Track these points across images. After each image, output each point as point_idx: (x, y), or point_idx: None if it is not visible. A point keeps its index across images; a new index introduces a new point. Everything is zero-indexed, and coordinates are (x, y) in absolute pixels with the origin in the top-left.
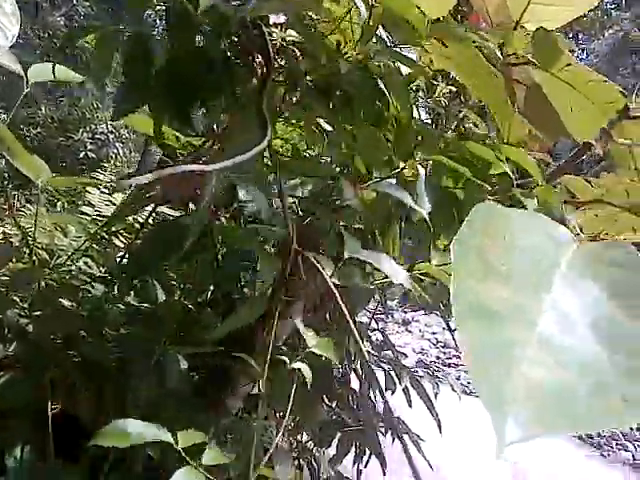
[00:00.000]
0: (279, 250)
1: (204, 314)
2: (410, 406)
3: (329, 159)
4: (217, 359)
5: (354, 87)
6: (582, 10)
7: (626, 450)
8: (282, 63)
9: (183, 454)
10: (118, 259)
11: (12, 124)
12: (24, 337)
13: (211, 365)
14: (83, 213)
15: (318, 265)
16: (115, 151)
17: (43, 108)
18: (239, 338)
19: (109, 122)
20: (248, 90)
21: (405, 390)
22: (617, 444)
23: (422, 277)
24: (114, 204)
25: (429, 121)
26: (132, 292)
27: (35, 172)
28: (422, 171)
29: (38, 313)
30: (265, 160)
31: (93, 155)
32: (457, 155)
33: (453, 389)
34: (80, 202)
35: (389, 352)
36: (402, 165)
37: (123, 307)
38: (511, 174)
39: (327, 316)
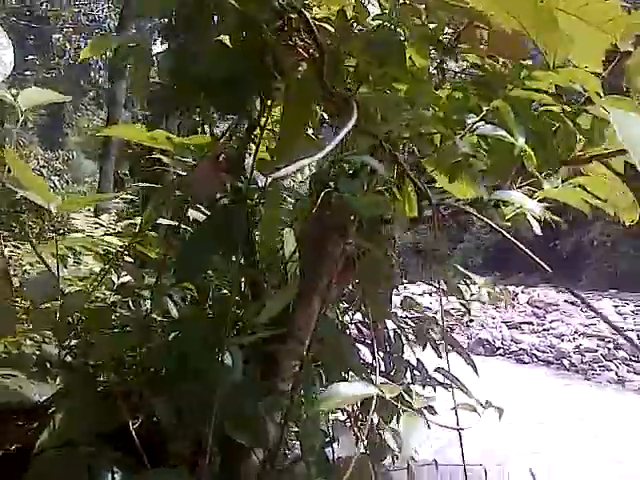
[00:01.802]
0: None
1: (248, 303)
2: (440, 357)
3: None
4: (263, 345)
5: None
6: None
7: (609, 370)
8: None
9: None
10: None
11: None
12: (69, 367)
13: (260, 351)
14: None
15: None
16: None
17: None
18: (278, 321)
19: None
20: (301, 74)
21: (434, 344)
22: (599, 366)
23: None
24: (102, 225)
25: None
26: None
27: (47, 198)
28: (508, 108)
29: (88, 339)
30: None
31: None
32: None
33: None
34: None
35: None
36: (485, 108)
37: (172, 310)
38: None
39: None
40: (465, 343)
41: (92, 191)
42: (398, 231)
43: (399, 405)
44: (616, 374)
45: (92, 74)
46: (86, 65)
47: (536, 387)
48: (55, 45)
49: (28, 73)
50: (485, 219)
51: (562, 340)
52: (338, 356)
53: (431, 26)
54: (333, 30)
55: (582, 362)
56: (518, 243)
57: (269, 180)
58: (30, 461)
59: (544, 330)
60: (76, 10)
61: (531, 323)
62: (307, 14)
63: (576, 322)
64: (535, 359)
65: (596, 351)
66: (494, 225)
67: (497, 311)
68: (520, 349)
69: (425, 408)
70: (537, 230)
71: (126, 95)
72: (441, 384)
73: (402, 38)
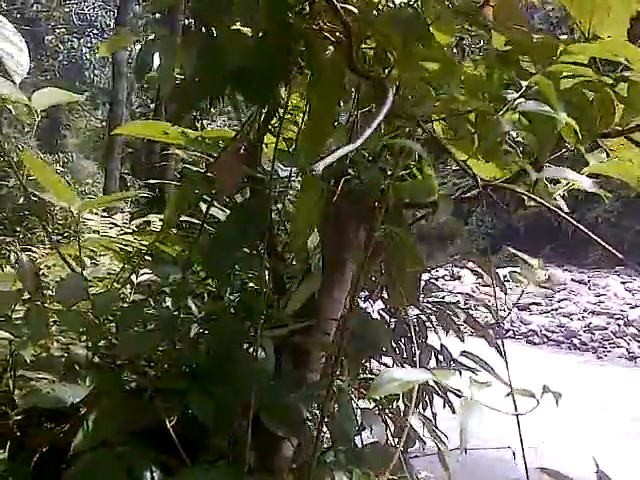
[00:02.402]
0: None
1: (274, 296)
2: (462, 341)
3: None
4: (291, 337)
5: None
6: None
7: (619, 347)
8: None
9: None
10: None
11: None
12: (98, 368)
13: (288, 343)
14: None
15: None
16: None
17: None
18: (306, 313)
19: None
20: (328, 59)
21: (456, 330)
22: (609, 344)
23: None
24: (116, 225)
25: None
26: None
27: (68, 200)
28: (549, 82)
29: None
30: None
31: (35, 198)
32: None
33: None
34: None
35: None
36: (525, 84)
37: (193, 307)
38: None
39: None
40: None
41: (93, 192)
42: (442, 214)
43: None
44: (627, 351)
45: (87, 74)
46: (80, 65)
47: (548, 367)
48: (48, 46)
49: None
50: (537, 199)
51: (571, 319)
52: (367, 344)
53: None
54: (357, 12)
55: (592, 340)
56: (582, 228)
57: (312, 170)
58: (64, 463)
59: (553, 310)
60: (67, 10)
61: (539, 304)
62: None
63: (584, 300)
64: (545, 339)
65: (606, 329)
66: (549, 205)
67: (504, 293)
68: (530, 330)
69: (451, 391)
70: (564, 207)
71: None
72: (468, 368)
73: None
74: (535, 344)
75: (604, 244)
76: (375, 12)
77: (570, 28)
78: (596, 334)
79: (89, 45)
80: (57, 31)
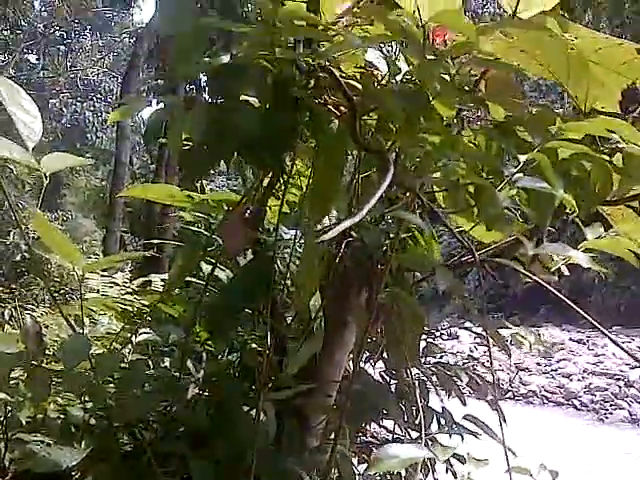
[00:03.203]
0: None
1: (276, 357)
2: (464, 404)
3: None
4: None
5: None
6: None
7: (621, 408)
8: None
9: None
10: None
11: None
12: (95, 431)
13: (289, 406)
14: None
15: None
16: None
17: None
18: (307, 375)
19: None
20: (333, 130)
21: (457, 392)
22: (611, 405)
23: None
24: (117, 284)
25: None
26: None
27: (74, 261)
28: (546, 159)
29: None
30: None
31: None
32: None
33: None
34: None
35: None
36: (523, 158)
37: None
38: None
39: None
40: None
41: (91, 250)
42: (441, 284)
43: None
44: (629, 413)
45: (89, 136)
46: (83, 128)
47: (549, 430)
48: (52, 110)
49: None
50: (528, 274)
51: (571, 380)
52: (369, 406)
53: (457, 78)
54: (360, 87)
55: (593, 402)
56: (565, 299)
57: (326, 237)
58: None
59: (552, 370)
60: (72, 76)
61: (538, 364)
62: (336, 73)
63: (583, 361)
64: (545, 400)
65: (606, 390)
66: (539, 280)
67: (503, 353)
68: (529, 391)
69: (453, 456)
70: (566, 272)
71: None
72: (470, 432)
73: (429, 90)
74: (535, 405)
75: (585, 315)
76: (378, 86)
77: (560, 95)
78: (597, 395)
79: (92, 109)
80: (62, 95)
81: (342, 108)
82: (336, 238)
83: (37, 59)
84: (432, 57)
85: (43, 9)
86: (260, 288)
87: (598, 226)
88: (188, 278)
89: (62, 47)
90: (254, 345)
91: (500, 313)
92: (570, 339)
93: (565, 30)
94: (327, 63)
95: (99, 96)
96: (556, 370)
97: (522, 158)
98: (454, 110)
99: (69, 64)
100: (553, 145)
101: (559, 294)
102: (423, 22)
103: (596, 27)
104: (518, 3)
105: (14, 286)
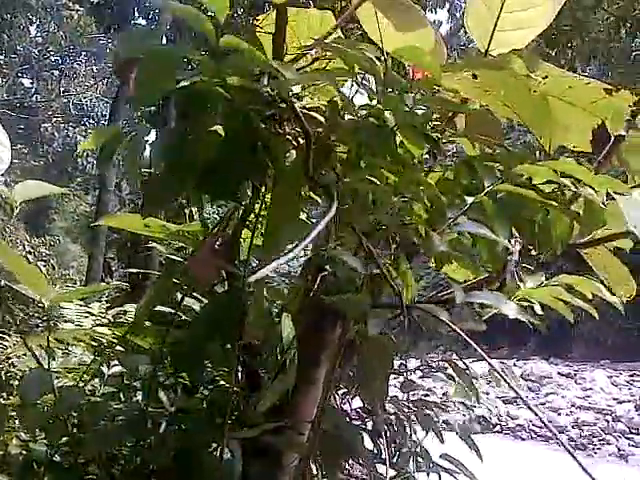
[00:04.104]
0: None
1: (245, 393)
2: (442, 442)
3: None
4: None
5: (371, 137)
6: (543, 27)
7: (609, 444)
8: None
9: None
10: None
11: None
12: (59, 467)
13: (258, 445)
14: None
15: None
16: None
17: None
18: (278, 412)
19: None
20: (289, 163)
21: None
22: (599, 440)
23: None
24: (92, 314)
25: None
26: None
27: (42, 292)
28: (491, 204)
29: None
30: None
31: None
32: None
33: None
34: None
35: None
36: (470, 200)
37: (165, 402)
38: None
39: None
40: (460, 421)
41: (78, 275)
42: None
43: None
44: (617, 448)
45: (79, 161)
46: (73, 152)
47: (537, 465)
48: (44, 134)
49: (16, 161)
50: (451, 325)
51: (559, 414)
52: (342, 446)
53: (419, 112)
54: (323, 119)
55: (581, 436)
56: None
57: (255, 277)
58: None
59: (540, 404)
60: (65, 101)
61: (526, 397)
62: (296, 104)
63: (571, 395)
64: (534, 435)
65: (594, 424)
66: (458, 330)
67: (490, 386)
68: (517, 425)
69: None
70: (539, 312)
71: (115, 181)
72: (446, 471)
73: (391, 125)
74: (523, 439)
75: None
76: (341, 119)
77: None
78: (584, 430)
79: (83, 134)
80: (54, 119)
81: (300, 140)
82: (311, 271)
83: (31, 83)
84: (392, 92)
85: (38, 34)
86: (229, 321)
87: (540, 275)
88: (163, 308)
89: (56, 72)
90: (222, 382)
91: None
92: (558, 373)
93: (533, 70)
94: (289, 94)
95: (91, 121)
96: (544, 404)
97: (469, 200)
98: (421, 148)
99: (62, 89)
100: (499, 188)
101: (467, 338)
102: (385, 56)
103: (585, 62)
104: (490, 41)
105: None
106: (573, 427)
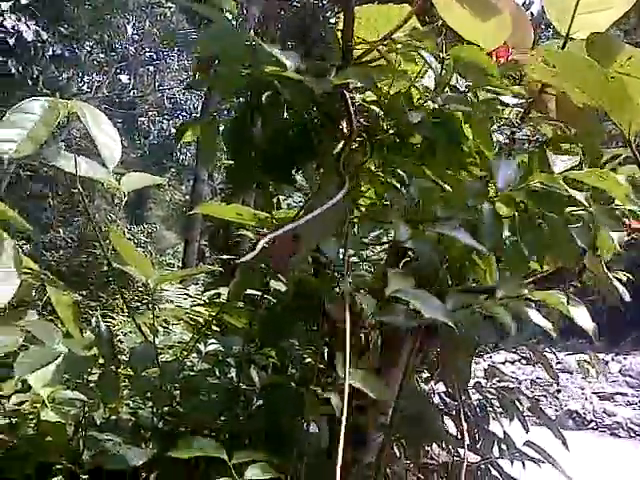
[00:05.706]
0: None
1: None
2: (527, 431)
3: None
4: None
5: (431, 133)
6: (626, 8)
7: None
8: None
9: None
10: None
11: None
12: (162, 434)
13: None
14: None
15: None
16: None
17: (61, 231)
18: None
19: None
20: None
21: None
22: None
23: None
24: (190, 296)
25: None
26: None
27: (147, 274)
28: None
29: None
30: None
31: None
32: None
33: None
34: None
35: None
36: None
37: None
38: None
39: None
40: (553, 415)
41: (173, 261)
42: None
43: None
44: None
45: (175, 153)
46: (169, 144)
47: (636, 464)
48: (141, 127)
49: None
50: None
51: None
52: (425, 430)
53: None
54: (382, 112)
55: None
56: None
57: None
58: None
59: None
60: (159, 95)
61: (625, 394)
62: (348, 97)
63: None
64: (632, 433)
65: None
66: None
67: (586, 381)
68: (615, 422)
69: None
70: (626, 297)
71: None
72: (532, 459)
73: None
74: (621, 437)
75: None
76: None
77: None
78: None
79: (177, 126)
80: (150, 113)
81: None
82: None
83: (128, 79)
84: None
85: (134, 32)
86: (312, 304)
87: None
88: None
89: (151, 67)
90: (309, 360)
91: (584, 339)
92: None
93: (615, 53)
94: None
95: (184, 114)
96: None
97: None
98: (491, 150)
99: (157, 84)
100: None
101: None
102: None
103: None
104: (571, 25)
105: (101, 294)
106: None
